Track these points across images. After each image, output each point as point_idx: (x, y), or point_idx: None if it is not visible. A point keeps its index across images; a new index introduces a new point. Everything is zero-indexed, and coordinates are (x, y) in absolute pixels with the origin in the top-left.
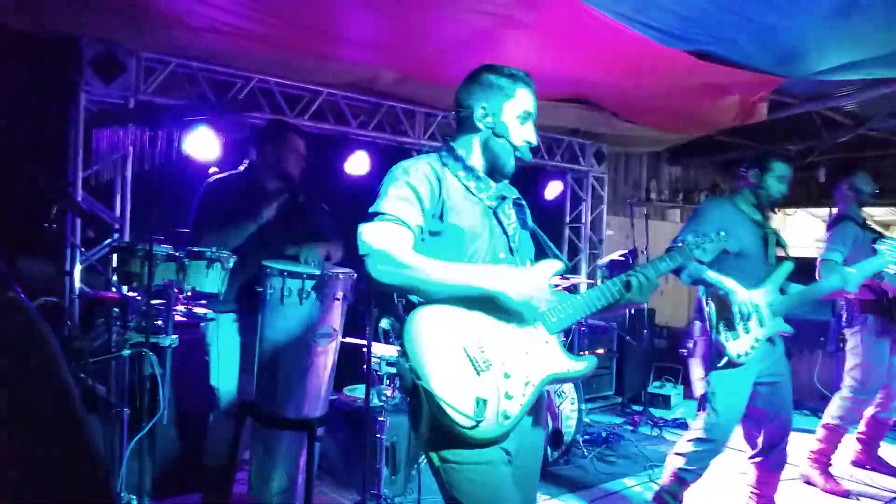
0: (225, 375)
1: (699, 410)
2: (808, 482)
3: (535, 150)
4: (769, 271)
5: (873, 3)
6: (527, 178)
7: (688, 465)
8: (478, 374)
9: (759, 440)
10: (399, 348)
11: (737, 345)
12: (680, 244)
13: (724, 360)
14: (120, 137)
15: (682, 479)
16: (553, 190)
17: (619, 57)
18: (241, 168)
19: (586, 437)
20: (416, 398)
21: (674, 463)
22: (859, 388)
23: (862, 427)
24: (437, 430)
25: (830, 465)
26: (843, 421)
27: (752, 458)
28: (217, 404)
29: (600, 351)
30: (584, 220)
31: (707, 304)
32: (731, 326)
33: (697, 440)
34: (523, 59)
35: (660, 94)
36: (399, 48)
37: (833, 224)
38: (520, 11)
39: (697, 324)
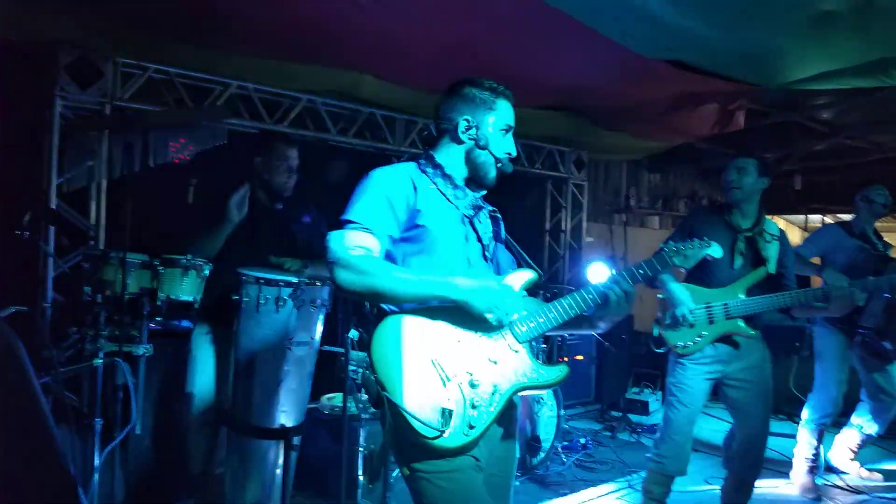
0: (200, 386)
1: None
2: (791, 482)
3: (514, 158)
4: (735, 274)
5: (846, 15)
6: (507, 185)
7: (654, 458)
8: (444, 384)
9: (733, 444)
10: (366, 360)
11: (677, 335)
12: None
13: (665, 348)
14: (96, 144)
15: (651, 470)
16: (533, 197)
17: (599, 65)
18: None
19: (565, 443)
20: (383, 410)
21: (648, 463)
22: (820, 383)
23: (845, 434)
24: (404, 441)
25: (814, 468)
26: (813, 421)
27: (725, 464)
28: (195, 413)
29: (579, 357)
30: (564, 227)
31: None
32: (673, 317)
33: (660, 435)
34: (505, 68)
35: (639, 103)
36: (381, 54)
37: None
38: (502, 20)
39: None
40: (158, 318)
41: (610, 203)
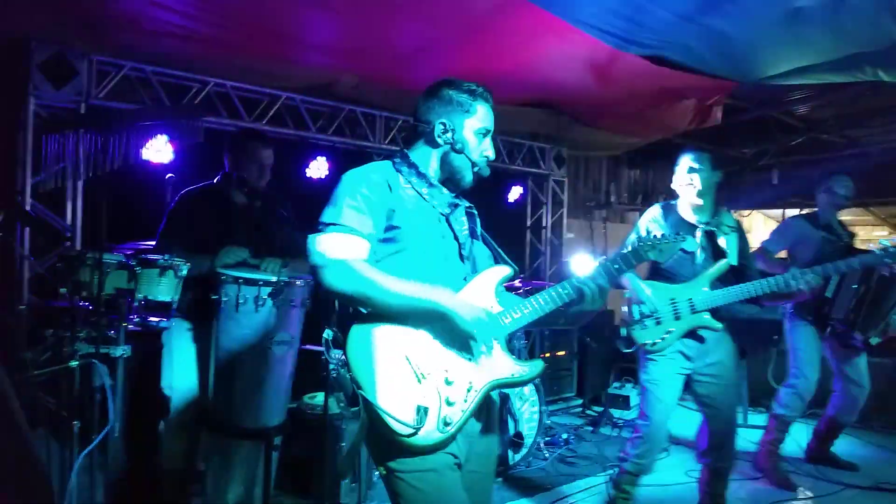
0: (179, 383)
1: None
2: (759, 473)
3: (495, 155)
4: (698, 269)
5: (819, 11)
6: (488, 182)
7: (631, 461)
8: (419, 381)
9: (706, 439)
10: (342, 359)
11: (644, 333)
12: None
13: (634, 347)
14: (71, 143)
15: (623, 470)
16: (514, 193)
17: (579, 62)
18: (215, 180)
19: (547, 439)
20: (359, 408)
21: (621, 460)
22: (794, 374)
23: (819, 424)
24: (380, 440)
25: (780, 457)
26: (786, 409)
27: (699, 457)
28: (172, 408)
29: (561, 353)
30: (544, 224)
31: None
32: (639, 314)
33: (634, 432)
34: (484, 65)
35: (618, 99)
36: (360, 52)
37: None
38: (481, 17)
39: None
40: (136, 319)
41: (590, 199)
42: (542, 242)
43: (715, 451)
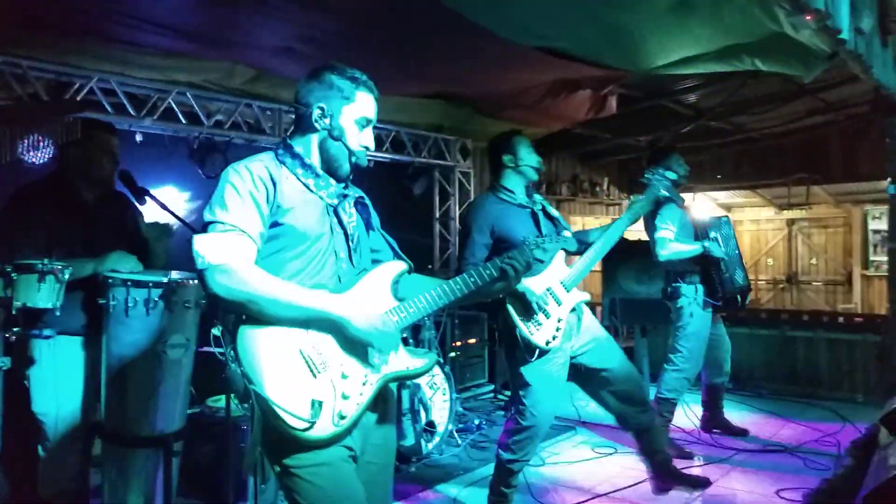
0: (65, 398)
1: (513, 403)
2: None
3: (401, 147)
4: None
5: (701, 2)
6: (395, 175)
7: (513, 456)
8: (314, 375)
9: (615, 407)
10: (231, 353)
11: (542, 334)
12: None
13: (536, 352)
14: None
15: (510, 471)
16: (421, 186)
17: (476, 54)
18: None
19: (460, 426)
20: (251, 405)
21: (499, 456)
22: (686, 357)
23: (703, 395)
24: (273, 437)
25: (669, 432)
26: (674, 393)
27: (620, 425)
28: (49, 432)
29: (472, 341)
30: (452, 215)
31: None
32: (531, 317)
33: (517, 430)
34: (385, 57)
35: (516, 90)
36: (255, 45)
37: (658, 206)
38: (380, 10)
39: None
40: (15, 329)
41: None
42: (451, 233)
43: (629, 407)
